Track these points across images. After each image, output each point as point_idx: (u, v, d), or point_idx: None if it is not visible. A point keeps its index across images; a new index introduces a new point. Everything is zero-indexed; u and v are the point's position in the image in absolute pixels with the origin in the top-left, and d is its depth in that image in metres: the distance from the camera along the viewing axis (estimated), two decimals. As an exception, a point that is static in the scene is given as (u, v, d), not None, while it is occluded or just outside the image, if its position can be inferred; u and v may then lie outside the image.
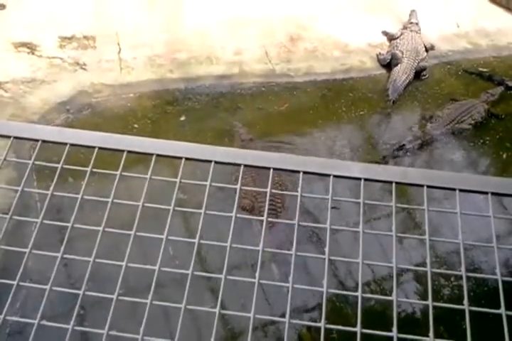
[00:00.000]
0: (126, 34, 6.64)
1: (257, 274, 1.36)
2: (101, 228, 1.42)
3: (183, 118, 5.75)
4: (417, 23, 7.25)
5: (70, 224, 1.41)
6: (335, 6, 7.66)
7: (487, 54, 7.32)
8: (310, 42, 7.02)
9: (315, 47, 6.95)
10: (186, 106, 5.93)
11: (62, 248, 1.37)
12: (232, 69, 6.50)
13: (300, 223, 1.53)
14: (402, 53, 6.72)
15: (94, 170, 1.57)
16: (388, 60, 6.77)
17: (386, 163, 5.25)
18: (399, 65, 6.61)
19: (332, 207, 1.59)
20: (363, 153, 5.53)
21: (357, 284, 1.44)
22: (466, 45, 7.41)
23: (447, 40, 7.40)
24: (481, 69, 6.92)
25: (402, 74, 6.50)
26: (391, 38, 7.16)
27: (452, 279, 3.79)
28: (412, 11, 7.39)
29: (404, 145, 5.40)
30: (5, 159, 1.55)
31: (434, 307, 1.32)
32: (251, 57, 6.68)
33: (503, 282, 1.34)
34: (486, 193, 1.54)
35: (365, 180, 1.59)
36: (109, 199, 1.49)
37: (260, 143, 5.37)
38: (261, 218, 1.58)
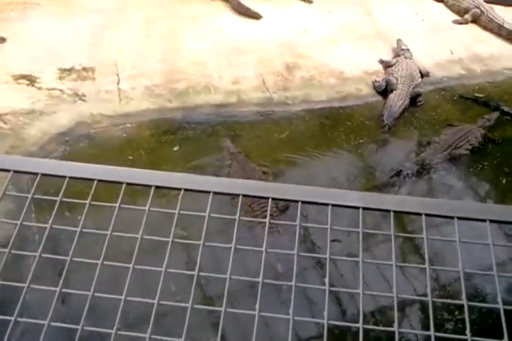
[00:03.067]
0: (124, 65, 6.75)
1: (257, 306, 1.35)
2: (99, 261, 1.41)
3: (176, 148, 5.78)
4: (408, 49, 7.39)
5: (68, 258, 1.41)
6: (330, 35, 7.82)
7: (482, 79, 7.43)
8: (306, 70, 7.13)
9: (311, 76, 7.05)
10: (183, 136, 5.96)
11: (61, 282, 1.36)
12: (229, 98, 6.58)
13: (299, 253, 1.52)
14: (397, 80, 6.82)
15: (93, 202, 1.57)
16: (384, 87, 6.86)
17: (384, 189, 5.26)
18: (394, 92, 6.70)
19: (332, 240, 1.58)
20: (361, 180, 5.53)
21: (358, 314, 1.42)
22: (460, 71, 7.53)
23: (442, 67, 7.52)
24: (476, 94, 7.00)
25: (397, 100, 6.58)
26: (387, 65, 7.28)
27: (454, 308, 3.76)
28: (398, 40, 7.56)
29: (401, 171, 5.41)
30: (4, 193, 1.55)
31: (437, 338, 1.30)
32: (248, 86, 6.76)
33: (505, 311, 1.33)
34: (484, 221, 1.54)
35: (363, 208, 1.59)
36: (108, 232, 1.49)
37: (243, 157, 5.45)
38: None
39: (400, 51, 7.39)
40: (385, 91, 6.85)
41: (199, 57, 7.06)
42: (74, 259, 1.42)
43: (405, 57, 7.23)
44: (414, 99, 6.78)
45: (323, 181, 5.41)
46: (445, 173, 5.64)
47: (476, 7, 8.57)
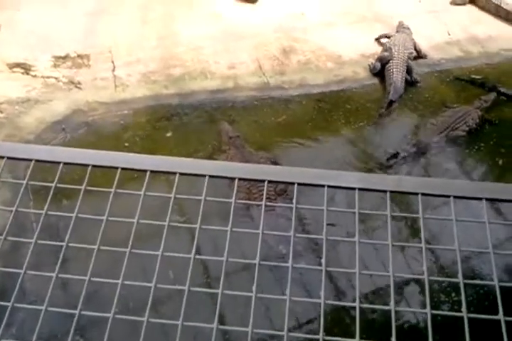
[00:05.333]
0: (120, 51, 6.69)
1: (254, 287, 1.35)
2: (96, 246, 1.41)
3: (169, 134, 5.76)
4: (408, 28, 7.36)
5: (64, 244, 1.41)
6: (326, 19, 7.74)
7: (479, 61, 7.37)
8: (303, 54, 7.07)
9: (308, 60, 7.00)
10: (179, 122, 5.94)
11: (57, 267, 1.36)
12: (226, 83, 6.54)
13: (296, 235, 1.53)
14: (391, 49, 6.83)
15: (89, 188, 1.57)
16: (379, 68, 6.82)
17: (381, 171, 5.26)
18: (391, 62, 6.70)
19: (328, 224, 1.59)
20: (359, 163, 5.54)
21: (355, 294, 1.43)
22: (457, 52, 7.47)
23: (439, 49, 7.46)
24: (473, 76, 6.97)
25: (397, 73, 6.57)
26: (385, 36, 7.30)
27: (451, 286, 3.79)
28: (400, 22, 7.52)
29: (398, 153, 5.40)
30: (-1, 180, 1.55)
31: (433, 315, 1.31)
32: (245, 71, 6.72)
33: (501, 287, 1.34)
34: (481, 199, 1.54)
35: (360, 189, 1.59)
36: (104, 217, 1.49)
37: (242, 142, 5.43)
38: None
39: (400, 29, 7.38)
40: (380, 72, 6.81)
41: (195, 42, 7.00)
42: (70, 245, 1.42)
43: (403, 32, 7.23)
44: (409, 72, 6.76)
45: (320, 164, 5.40)
46: (442, 155, 5.64)
47: (474, -13, 8.48)
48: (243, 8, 7.79)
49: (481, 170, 5.62)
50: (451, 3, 8.49)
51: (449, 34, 7.70)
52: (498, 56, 7.47)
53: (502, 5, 8.13)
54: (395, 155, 5.38)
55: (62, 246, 1.41)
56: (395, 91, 6.39)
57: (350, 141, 5.91)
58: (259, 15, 7.63)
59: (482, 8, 8.37)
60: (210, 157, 5.30)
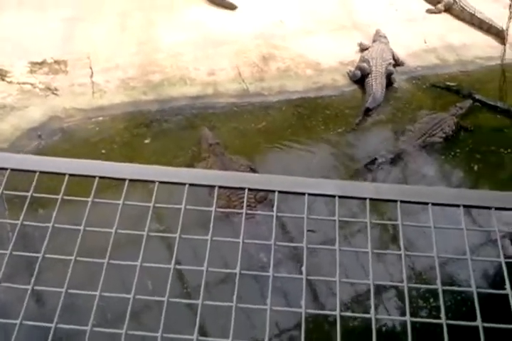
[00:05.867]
0: (98, 57, 6.64)
1: (234, 297, 1.34)
2: (73, 257, 1.39)
3: (147, 140, 5.71)
4: (385, 36, 7.46)
5: (40, 255, 1.38)
6: (305, 26, 7.81)
7: (454, 68, 7.52)
8: (282, 61, 7.11)
9: (287, 67, 7.04)
10: (158, 128, 5.90)
11: (33, 280, 1.33)
12: (206, 89, 6.53)
13: (276, 243, 1.52)
14: (369, 62, 6.89)
15: (66, 197, 1.54)
16: (359, 76, 6.90)
17: (359, 177, 5.30)
18: (369, 75, 6.78)
19: (308, 230, 1.58)
20: (338, 169, 5.57)
21: (335, 302, 1.43)
22: (434, 60, 7.60)
23: (416, 56, 7.58)
24: (449, 83, 7.09)
25: (376, 84, 6.65)
26: (363, 48, 7.38)
27: (430, 293, 3.82)
28: (377, 30, 7.63)
29: (376, 159, 5.46)
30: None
31: (412, 323, 1.32)
32: (224, 78, 6.73)
33: (479, 294, 1.35)
34: (458, 206, 1.56)
35: (340, 197, 1.60)
36: (81, 227, 1.46)
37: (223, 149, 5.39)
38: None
39: (377, 38, 7.48)
40: (360, 80, 6.89)
41: (174, 49, 6.98)
42: (46, 256, 1.39)
43: (380, 42, 7.32)
44: (388, 78, 6.86)
45: (301, 170, 5.43)
46: (419, 161, 5.71)
47: (449, -4, 8.65)
48: (223, 15, 7.80)
49: (458, 176, 5.72)
50: (427, 11, 8.65)
51: (426, 42, 7.84)
52: (473, 64, 7.63)
53: (476, 14, 8.31)
54: (373, 161, 5.43)
55: (38, 258, 1.38)
56: (374, 101, 6.48)
57: (330, 146, 5.95)
58: (238, 23, 7.65)
59: (457, 17, 8.54)
60: (189, 164, 5.27)
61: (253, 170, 5.22)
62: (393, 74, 6.94)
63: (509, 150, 5.83)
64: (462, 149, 5.89)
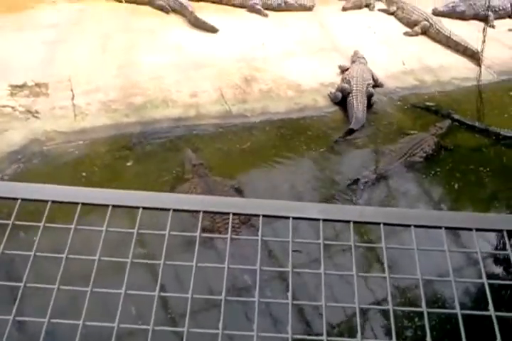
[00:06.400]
0: (79, 80, 6.63)
1: (220, 324, 1.33)
2: (55, 286, 1.36)
3: (130, 163, 5.68)
4: (363, 57, 7.63)
5: (22, 284, 1.36)
6: (286, 49, 7.93)
7: (433, 89, 7.69)
8: (264, 83, 7.19)
9: (269, 88, 7.13)
10: (140, 151, 5.87)
11: (14, 310, 1.30)
12: (188, 111, 6.55)
13: (262, 268, 1.52)
14: (350, 82, 7.01)
15: (48, 224, 1.52)
16: (340, 97, 7.00)
17: (343, 197, 5.33)
18: (350, 95, 6.89)
19: (294, 251, 1.58)
20: (321, 189, 5.59)
21: (322, 327, 1.42)
22: (412, 81, 7.77)
23: (395, 78, 7.74)
24: (428, 103, 7.23)
25: (357, 104, 6.76)
26: (343, 69, 7.51)
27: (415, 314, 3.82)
28: (356, 51, 7.81)
29: (358, 179, 5.49)
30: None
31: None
32: (207, 99, 6.77)
33: (463, 315, 1.36)
34: (440, 228, 1.58)
35: (324, 220, 1.61)
36: (64, 255, 1.44)
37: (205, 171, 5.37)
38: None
39: (355, 59, 7.63)
40: (341, 102, 6.98)
41: (156, 71, 7.02)
42: (28, 285, 1.37)
43: (359, 63, 7.47)
44: (368, 100, 6.97)
45: (285, 190, 5.46)
46: (401, 181, 5.77)
47: (425, 20, 8.91)
48: (205, 38, 7.90)
49: (439, 194, 5.77)
50: (405, 34, 8.88)
51: (404, 64, 8.01)
52: (450, 84, 7.81)
53: (451, 36, 8.55)
54: (356, 181, 5.46)
55: (19, 287, 1.35)
56: (357, 121, 6.57)
57: (313, 167, 5.99)
58: (220, 45, 7.75)
59: (433, 39, 8.79)
60: (172, 186, 5.25)
61: (237, 190, 5.22)
62: (373, 95, 7.06)
63: (488, 169, 5.93)
64: (443, 168, 5.97)
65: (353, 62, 7.63)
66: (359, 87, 6.93)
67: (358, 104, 6.76)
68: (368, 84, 7.10)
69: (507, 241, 1.59)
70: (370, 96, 7.00)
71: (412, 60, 8.10)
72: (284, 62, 7.62)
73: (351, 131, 6.41)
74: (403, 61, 8.03)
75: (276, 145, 6.22)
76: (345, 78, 7.18)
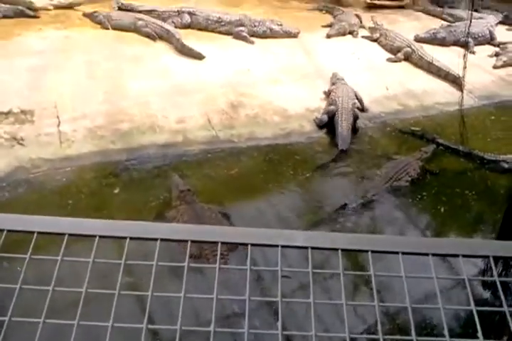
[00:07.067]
0: (65, 107, 6.62)
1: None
2: (41, 319, 1.34)
3: (117, 190, 5.65)
4: (342, 79, 7.80)
5: (6, 318, 1.33)
6: (271, 75, 8.04)
7: (416, 113, 7.83)
8: (251, 108, 7.26)
9: (256, 114, 7.19)
10: (127, 177, 5.84)
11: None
12: (175, 137, 6.57)
13: (251, 298, 1.51)
14: (336, 102, 7.15)
15: (34, 256, 1.50)
16: (325, 120, 7.09)
17: (330, 223, 5.34)
18: (337, 113, 7.01)
19: (283, 276, 1.58)
20: (309, 215, 5.58)
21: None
22: (396, 106, 7.90)
23: (379, 103, 7.87)
24: (413, 128, 7.33)
25: (342, 122, 6.88)
26: (328, 93, 7.60)
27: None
28: (334, 73, 7.98)
29: (346, 204, 5.50)
30: None
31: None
32: (194, 125, 6.80)
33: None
34: (427, 255, 1.59)
35: (312, 248, 1.61)
36: (50, 287, 1.42)
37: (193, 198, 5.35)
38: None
39: (335, 80, 7.80)
40: (326, 125, 7.07)
41: (143, 97, 7.05)
42: (13, 319, 1.34)
43: (342, 83, 7.63)
44: (354, 121, 7.06)
45: (273, 216, 5.45)
46: (388, 205, 5.79)
47: (408, 46, 9.12)
48: (191, 65, 7.99)
49: (425, 218, 5.80)
50: (388, 60, 9.07)
51: (387, 89, 8.16)
52: (433, 109, 7.96)
53: (433, 62, 8.74)
54: (343, 206, 5.47)
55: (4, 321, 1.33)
56: (343, 141, 6.67)
57: (300, 191, 6.00)
58: (207, 71, 7.83)
59: (416, 65, 8.98)
60: (160, 213, 5.21)
61: (225, 216, 5.20)
62: (358, 118, 7.16)
63: (473, 192, 5.98)
64: (429, 192, 6.01)
65: (333, 83, 7.77)
66: (344, 105, 7.07)
67: (342, 122, 6.87)
68: (354, 104, 7.23)
69: (493, 267, 1.60)
70: (355, 118, 7.09)
71: (395, 85, 8.26)
72: (270, 88, 7.72)
73: (342, 152, 6.52)
74: (387, 86, 8.19)
75: (264, 171, 6.24)
76: (331, 99, 7.30)
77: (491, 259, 1.56)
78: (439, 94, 8.27)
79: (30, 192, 5.41)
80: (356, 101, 7.41)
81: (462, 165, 6.65)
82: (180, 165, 6.16)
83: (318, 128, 7.11)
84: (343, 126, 6.83)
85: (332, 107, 7.13)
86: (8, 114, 6.33)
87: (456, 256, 1.59)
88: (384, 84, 8.23)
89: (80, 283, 1.52)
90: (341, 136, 6.72)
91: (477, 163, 6.60)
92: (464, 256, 1.59)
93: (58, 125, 6.33)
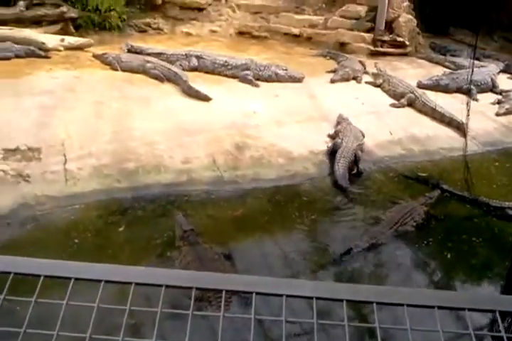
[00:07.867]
0: (72, 145, 6.69)
1: None
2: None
3: (121, 228, 5.64)
4: (347, 119, 7.98)
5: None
6: (277, 117, 8.18)
7: (421, 158, 7.89)
8: (256, 150, 7.34)
9: (261, 155, 7.26)
10: (132, 216, 5.85)
11: None
12: (180, 177, 6.61)
13: (254, 348, 1.49)
14: (342, 140, 7.32)
15: (39, 300, 1.50)
16: (331, 149, 7.41)
17: (336, 267, 5.29)
18: (339, 150, 7.15)
19: (287, 321, 1.57)
20: (314, 258, 5.52)
21: None
22: (400, 151, 7.98)
23: (382, 147, 7.94)
24: (419, 173, 7.37)
25: (339, 158, 6.99)
26: (335, 135, 7.71)
27: None
28: (340, 114, 8.16)
29: (351, 249, 5.46)
30: None
31: None
32: (199, 165, 6.85)
33: None
34: (433, 307, 1.58)
35: (317, 298, 1.60)
36: (54, 332, 1.41)
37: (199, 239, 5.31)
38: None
39: (341, 120, 7.98)
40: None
41: (149, 137, 7.14)
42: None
43: (348, 123, 7.77)
44: (356, 161, 7.17)
45: (277, 258, 5.40)
46: (393, 250, 5.74)
47: (411, 92, 9.29)
48: (198, 106, 8.14)
49: (431, 264, 5.73)
50: (391, 105, 9.22)
51: (391, 133, 8.26)
52: (438, 154, 8.02)
53: (437, 108, 8.88)
54: (349, 251, 5.42)
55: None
56: (342, 178, 6.73)
57: (306, 234, 5.96)
58: (213, 113, 7.97)
59: (419, 111, 9.12)
60: (162, 252, 5.19)
61: (228, 258, 5.16)
62: (360, 159, 7.22)
63: (480, 239, 5.94)
64: (435, 237, 5.95)
65: (338, 123, 7.92)
66: (349, 144, 7.23)
67: (338, 159, 6.99)
68: (359, 145, 7.33)
69: (500, 322, 1.58)
70: (358, 159, 7.19)
71: (399, 131, 8.36)
72: (275, 130, 7.83)
73: (343, 190, 6.66)
74: (390, 131, 8.29)
75: (269, 212, 6.24)
76: (339, 139, 7.45)
77: (498, 314, 1.55)
78: (442, 140, 8.36)
79: (36, 230, 5.41)
80: (362, 142, 7.50)
81: (468, 211, 6.63)
82: (185, 204, 6.18)
83: (322, 170, 7.16)
84: (340, 165, 6.94)
85: (339, 141, 7.31)
86: (15, 151, 6.41)
87: (462, 309, 1.58)
88: (388, 128, 8.34)
89: (84, 326, 1.51)
90: (337, 174, 6.82)
91: (483, 210, 6.56)
92: (470, 309, 1.58)
93: (65, 163, 6.38)
